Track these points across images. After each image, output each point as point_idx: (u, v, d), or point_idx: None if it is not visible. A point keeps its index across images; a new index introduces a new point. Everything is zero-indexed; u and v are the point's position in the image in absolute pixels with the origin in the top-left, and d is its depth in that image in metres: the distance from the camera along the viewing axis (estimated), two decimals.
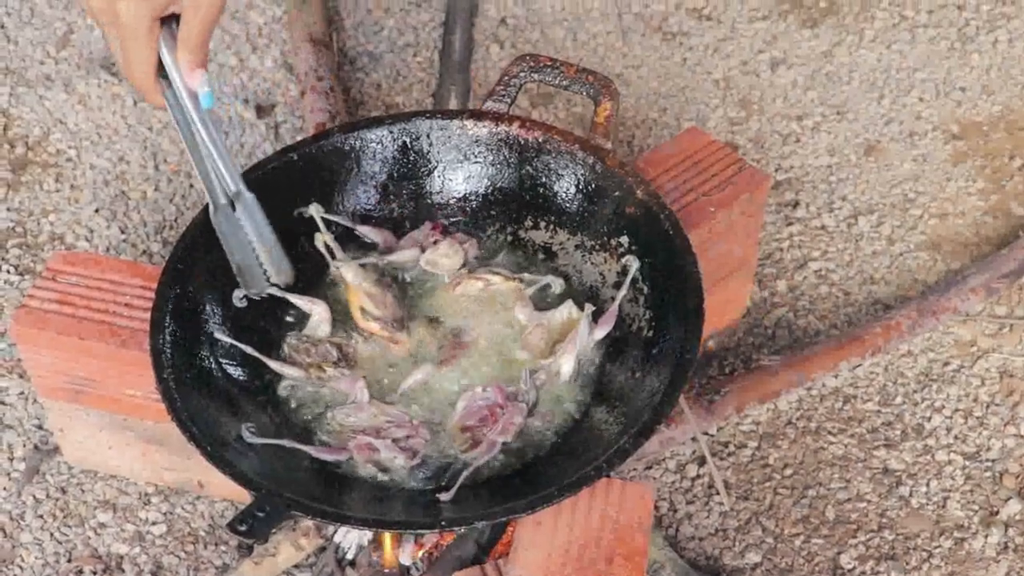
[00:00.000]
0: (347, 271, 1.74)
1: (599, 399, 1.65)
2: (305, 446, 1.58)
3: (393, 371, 1.69)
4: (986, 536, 1.97)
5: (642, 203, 1.72)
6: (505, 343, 1.72)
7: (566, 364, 1.67)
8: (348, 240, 1.82)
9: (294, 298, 1.71)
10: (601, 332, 1.69)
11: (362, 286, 1.72)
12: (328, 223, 1.79)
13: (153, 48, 1.45)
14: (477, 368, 1.69)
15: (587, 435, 1.60)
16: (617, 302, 1.70)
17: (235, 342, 1.66)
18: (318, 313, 1.72)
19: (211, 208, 1.59)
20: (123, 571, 1.94)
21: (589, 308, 1.70)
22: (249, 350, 1.66)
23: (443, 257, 1.79)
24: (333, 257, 1.78)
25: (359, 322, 1.71)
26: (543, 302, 1.76)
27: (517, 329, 1.73)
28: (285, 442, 1.57)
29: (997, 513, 2.00)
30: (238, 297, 1.68)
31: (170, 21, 1.46)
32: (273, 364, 1.67)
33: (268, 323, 1.72)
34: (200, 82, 1.49)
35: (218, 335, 1.65)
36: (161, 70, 1.49)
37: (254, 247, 1.59)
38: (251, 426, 1.56)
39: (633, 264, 1.71)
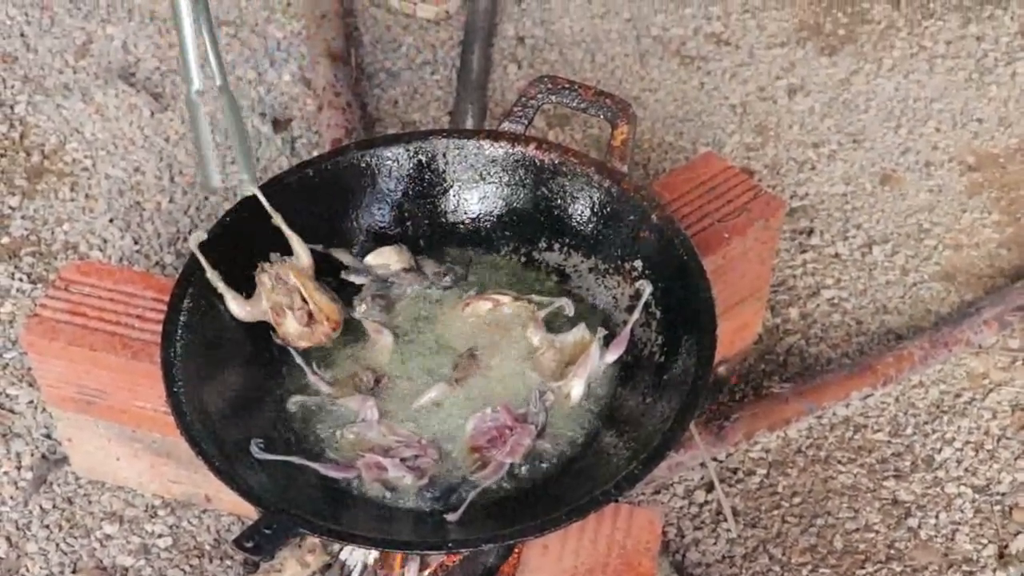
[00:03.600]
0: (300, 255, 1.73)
1: (609, 423, 1.64)
2: (313, 463, 1.57)
3: (411, 397, 1.68)
4: (994, 570, 1.96)
5: (657, 227, 1.72)
6: (516, 364, 1.71)
7: (576, 387, 1.66)
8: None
9: (367, 323, 1.71)
10: (612, 356, 1.69)
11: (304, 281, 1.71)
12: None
13: None
14: (487, 389, 1.69)
15: (596, 459, 1.59)
16: (629, 326, 1.70)
17: (297, 356, 1.66)
18: (384, 342, 1.72)
19: (187, 89, 1.60)
20: None
21: (601, 332, 1.69)
22: (300, 361, 1.68)
23: (387, 257, 1.79)
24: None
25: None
26: (555, 324, 1.76)
27: (528, 350, 1.72)
28: (294, 459, 1.56)
29: (1007, 547, 1.99)
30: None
31: None
32: (322, 384, 1.67)
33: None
34: None
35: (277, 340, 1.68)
36: None
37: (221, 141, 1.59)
38: (260, 442, 1.56)
39: (647, 288, 1.71)
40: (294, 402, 1.66)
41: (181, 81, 1.57)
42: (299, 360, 1.68)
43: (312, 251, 1.72)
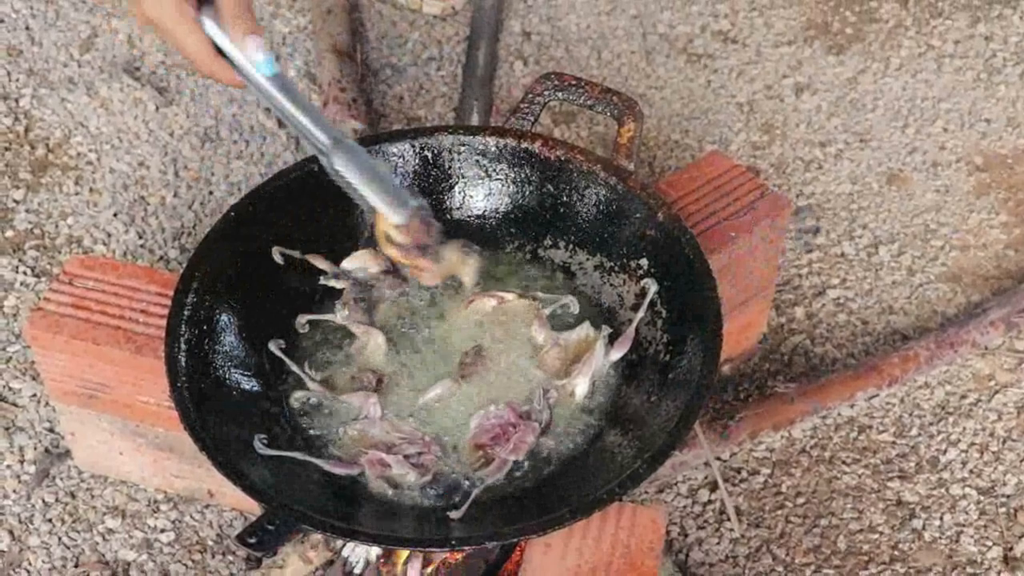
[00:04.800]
0: None
1: (614, 422, 1.64)
2: (317, 459, 1.57)
3: (415, 395, 1.68)
4: (999, 572, 1.95)
5: (662, 226, 1.71)
6: (520, 361, 1.71)
7: (581, 385, 1.66)
8: None
9: (354, 326, 1.70)
10: (617, 354, 1.68)
11: None
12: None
13: (195, 30, 1.41)
14: (492, 386, 1.68)
15: (601, 458, 1.59)
16: (634, 325, 1.69)
17: (283, 356, 1.65)
18: (375, 343, 1.71)
19: (322, 162, 1.53)
20: None
21: (606, 330, 1.69)
22: (294, 368, 1.66)
23: (364, 260, 1.78)
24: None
25: (383, 247, 1.64)
26: (560, 322, 1.75)
27: (533, 348, 1.72)
28: (297, 454, 1.56)
29: (1012, 549, 1.98)
30: (301, 324, 1.71)
31: (206, 3, 1.42)
32: (313, 384, 1.66)
33: (282, 333, 1.72)
34: (254, 49, 1.43)
35: (272, 347, 1.67)
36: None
37: (365, 188, 1.53)
38: (263, 437, 1.55)
39: (652, 287, 1.70)
40: (297, 397, 1.65)
41: (314, 151, 1.51)
42: (293, 367, 1.67)
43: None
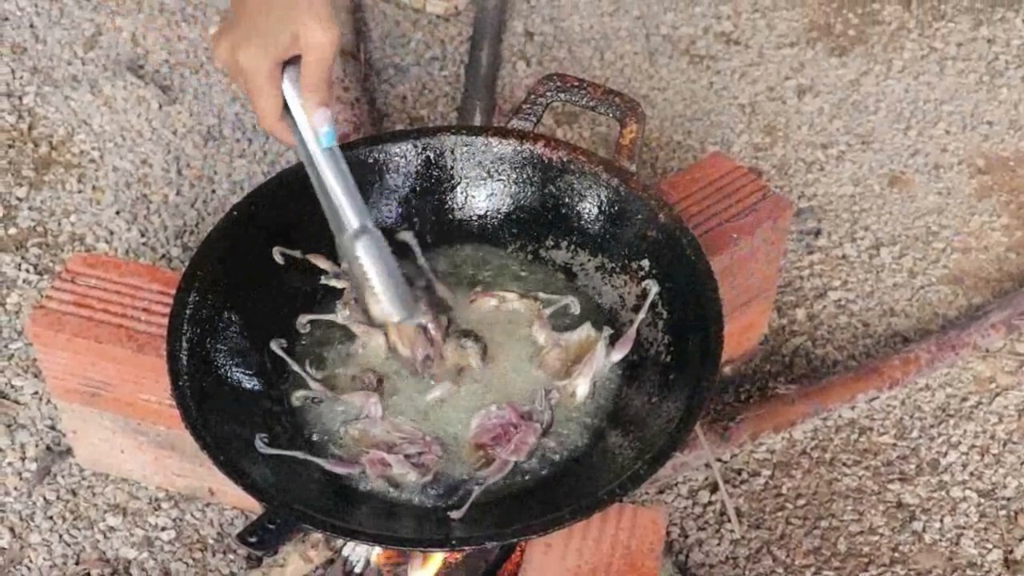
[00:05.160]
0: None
1: (615, 423, 1.64)
2: (318, 459, 1.57)
3: (415, 395, 1.68)
4: (999, 575, 1.95)
5: (664, 227, 1.71)
6: (521, 362, 1.71)
7: (582, 386, 1.66)
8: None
9: (354, 326, 1.70)
10: (618, 355, 1.68)
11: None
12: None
13: (276, 92, 1.48)
14: (493, 386, 1.68)
15: (601, 458, 1.59)
16: (635, 326, 1.69)
17: (281, 353, 1.66)
18: (376, 343, 1.71)
19: (337, 238, 1.57)
20: (131, 575, 1.94)
21: (607, 331, 1.69)
22: (296, 367, 1.66)
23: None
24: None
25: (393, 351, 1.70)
26: (561, 322, 1.75)
27: (534, 348, 1.72)
28: (298, 454, 1.56)
29: (1012, 552, 1.98)
30: (301, 323, 1.71)
31: (291, 64, 1.48)
32: (314, 383, 1.66)
33: (284, 332, 1.72)
34: (321, 121, 1.50)
35: (274, 346, 1.67)
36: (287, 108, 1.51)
37: (377, 281, 1.57)
38: (264, 436, 1.55)
39: (653, 288, 1.70)
40: (298, 396, 1.65)
41: (335, 229, 1.56)
42: (295, 366, 1.67)
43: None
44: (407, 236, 1.78)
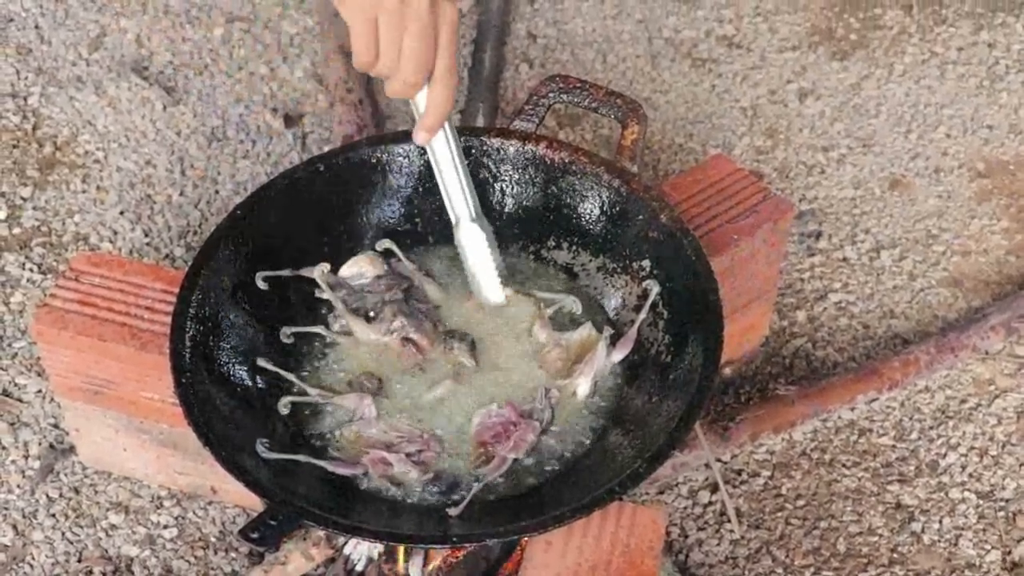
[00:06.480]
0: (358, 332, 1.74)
1: (615, 421, 1.65)
2: (320, 461, 1.57)
3: (416, 395, 1.68)
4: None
5: (665, 228, 1.72)
6: (522, 360, 1.72)
7: (583, 385, 1.66)
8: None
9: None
10: (619, 355, 1.69)
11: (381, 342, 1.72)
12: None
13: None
14: (494, 385, 1.69)
15: (601, 457, 1.60)
16: (636, 326, 1.70)
17: (275, 367, 1.66)
18: (370, 349, 1.72)
19: (454, 223, 1.73)
20: (132, 573, 1.94)
21: (607, 331, 1.70)
22: (288, 375, 1.67)
23: (361, 265, 1.78)
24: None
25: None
26: (562, 322, 1.76)
27: (535, 347, 1.73)
28: (300, 457, 1.56)
29: (1010, 553, 1.99)
30: (286, 334, 1.71)
31: None
32: (311, 389, 1.67)
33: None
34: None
35: (261, 363, 1.67)
36: None
37: (471, 269, 1.75)
38: (265, 441, 1.55)
39: (654, 288, 1.71)
40: (284, 403, 1.64)
41: (451, 214, 1.72)
42: (290, 377, 1.67)
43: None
44: (388, 243, 1.80)
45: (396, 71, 1.51)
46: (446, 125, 1.63)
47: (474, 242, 1.74)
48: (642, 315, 1.71)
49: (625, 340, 1.70)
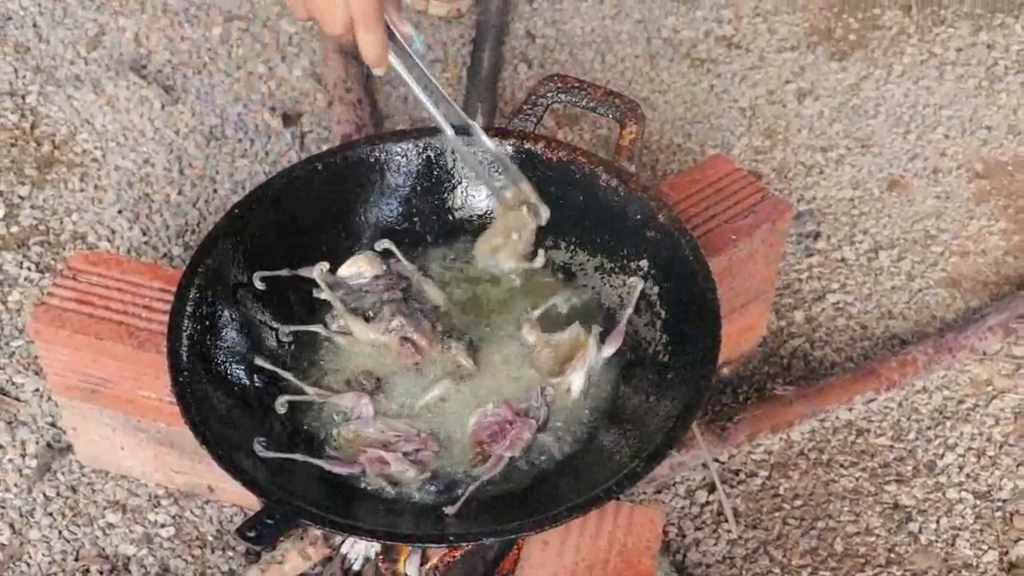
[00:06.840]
0: (357, 331, 1.74)
1: (612, 421, 1.65)
2: (317, 460, 1.57)
3: (414, 395, 1.68)
4: None
5: (663, 228, 1.72)
6: (517, 361, 1.72)
7: (576, 380, 1.66)
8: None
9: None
10: (610, 350, 1.69)
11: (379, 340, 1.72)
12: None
13: (383, 27, 1.59)
14: (491, 385, 1.69)
15: (598, 456, 1.60)
16: (624, 319, 1.70)
17: (270, 365, 1.66)
18: (368, 348, 1.72)
19: (445, 136, 1.77)
20: (129, 572, 1.94)
21: (596, 328, 1.69)
22: (286, 375, 1.66)
23: (360, 265, 1.79)
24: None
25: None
26: (552, 321, 1.75)
27: (527, 347, 1.73)
28: (297, 456, 1.56)
29: (1007, 553, 1.99)
30: (284, 333, 1.72)
31: None
32: (309, 389, 1.67)
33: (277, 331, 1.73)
34: (410, 27, 1.64)
35: (258, 362, 1.67)
36: None
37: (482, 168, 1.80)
38: (262, 440, 1.55)
39: (638, 285, 1.72)
40: (282, 402, 1.64)
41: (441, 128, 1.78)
42: (287, 376, 1.67)
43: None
44: (387, 243, 1.80)
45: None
46: (397, 56, 1.65)
47: (464, 145, 1.79)
48: (629, 309, 1.71)
49: (615, 334, 1.70)
